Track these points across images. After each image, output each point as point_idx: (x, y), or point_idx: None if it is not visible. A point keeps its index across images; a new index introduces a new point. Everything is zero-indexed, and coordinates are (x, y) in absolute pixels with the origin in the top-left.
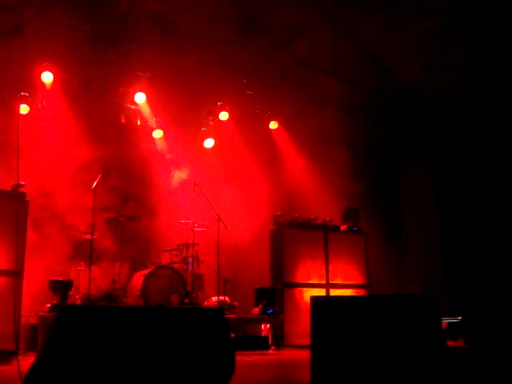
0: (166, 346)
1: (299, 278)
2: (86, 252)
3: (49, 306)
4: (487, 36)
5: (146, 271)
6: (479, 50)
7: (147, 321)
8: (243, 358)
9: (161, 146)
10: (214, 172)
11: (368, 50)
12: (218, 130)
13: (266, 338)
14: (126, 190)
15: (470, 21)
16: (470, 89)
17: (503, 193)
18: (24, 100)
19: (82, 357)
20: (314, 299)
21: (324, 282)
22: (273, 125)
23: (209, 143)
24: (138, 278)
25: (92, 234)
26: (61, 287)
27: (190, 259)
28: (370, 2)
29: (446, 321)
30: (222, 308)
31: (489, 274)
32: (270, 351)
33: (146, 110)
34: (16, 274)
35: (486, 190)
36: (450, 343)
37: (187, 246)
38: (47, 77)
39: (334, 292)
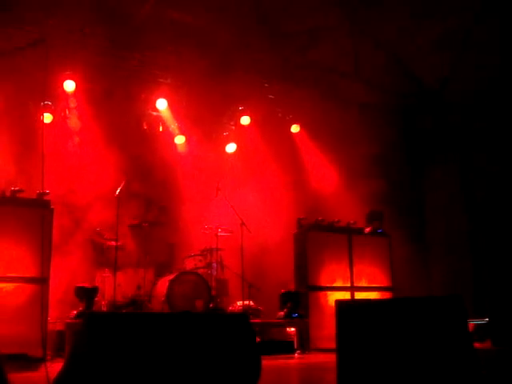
0: (192, 352)
1: (324, 281)
2: (111, 258)
3: (75, 312)
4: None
5: (170, 277)
6: (501, 48)
7: (172, 327)
8: (269, 363)
9: (183, 151)
10: (236, 177)
11: (389, 51)
12: (239, 135)
13: (292, 342)
14: (149, 197)
15: (491, 20)
16: (492, 88)
17: None
18: (47, 109)
19: (109, 364)
20: (339, 303)
21: (349, 284)
22: (295, 128)
23: (231, 148)
24: (163, 284)
25: (116, 240)
26: (86, 294)
27: (214, 264)
28: (390, 2)
29: (473, 322)
30: (246, 313)
31: None
32: (296, 355)
33: (167, 116)
34: (42, 281)
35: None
36: (478, 345)
37: (211, 251)
38: (70, 85)
39: (358, 295)
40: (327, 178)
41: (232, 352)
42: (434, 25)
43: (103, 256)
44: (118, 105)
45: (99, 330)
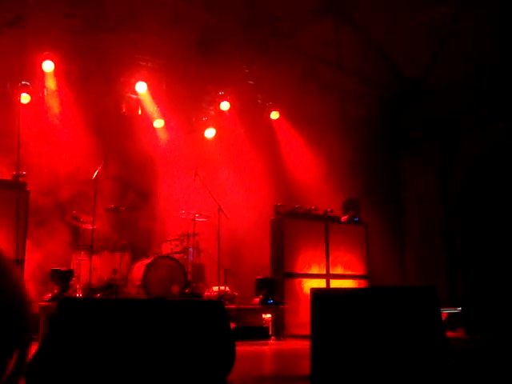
0: (166, 339)
1: (299, 268)
2: (87, 242)
3: (50, 295)
4: (491, 25)
5: (146, 261)
6: (482, 39)
7: (146, 313)
8: (244, 349)
9: (162, 135)
10: (214, 162)
11: (370, 39)
12: (219, 120)
13: (267, 328)
14: (126, 180)
15: (474, 10)
16: (472, 78)
17: (507, 184)
18: (25, 89)
19: (82, 350)
20: (314, 291)
21: (324, 272)
22: (274, 115)
23: (210, 133)
24: (139, 268)
25: (93, 223)
26: (61, 277)
27: (191, 249)
28: None
29: (446, 311)
30: (221, 300)
31: (490, 264)
32: (271, 341)
33: (147, 99)
34: (17, 263)
35: (489, 180)
36: (450, 334)
37: (188, 236)
38: (48, 66)
39: (334, 282)
40: (305, 165)
41: (206, 339)
42: (416, 13)
43: (79, 239)
44: (96, 87)
45: (73, 315)
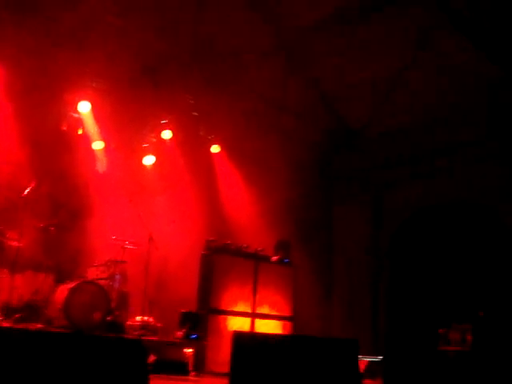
0: (79, 374)
1: (225, 305)
2: (10, 258)
3: None
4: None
5: (70, 285)
6: (425, 94)
7: (61, 347)
8: (162, 383)
9: (100, 158)
10: (151, 190)
11: (317, 87)
12: (159, 148)
13: (187, 363)
14: (59, 200)
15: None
16: (412, 133)
17: (434, 238)
18: None
19: None
20: (237, 334)
21: (250, 311)
22: (215, 148)
23: (149, 160)
24: (62, 292)
25: (18, 240)
26: None
27: (117, 276)
28: (324, 40)
29: (367, 359)
30: (140, 339)
31: (412, 316)
32: (190, 377)
33: (89, 120)
34: None
35: (416, 234)
36: (369, 382)
37: (116, 262)
38: None
39: (259, 322)
40: (241, 202)
41: (122, 377)
42: (363, 66)
43: (2, 255)
44: (38, 102)
45: None
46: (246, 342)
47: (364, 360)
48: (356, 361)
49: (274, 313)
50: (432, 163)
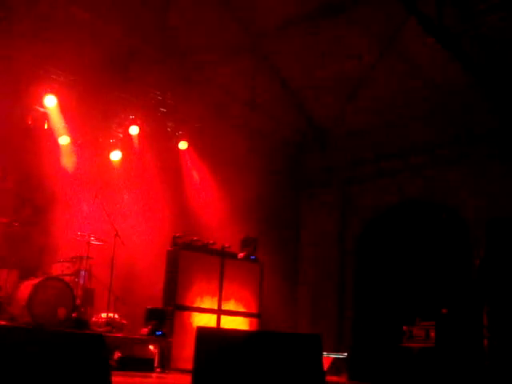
0: (39, 370)
1: (191, 301)
2: None
3: None
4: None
5: (34, 281)
6: (393, 93)
7: (20, 342)
8: (126, 380)
9: (66, 152)
10: (117, 186)
11: (286, 84)
12: (126, 144)
13: (152, 359)
14: (24, 195)
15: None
16: (375, 132)
17: (399, 236)
18: None
19: None
20: (200, 329)
21: (216, 307)
22: (182, 145)
23: (115, 156)
24: (26, 288)
25: None
26: None
27: (83, 272)
28: (293, 38)
29: (332, 356)
30: (100, 334)
31: (377, 313)
32: (155, 374)
33: (55, 114)
34: None
35: (383, 233)
36: (334, 378)
37: (81, 258)
38: None
39: (224, 318)
40: (208, 198)
41: (82, 374)
42: (331, 64)
43: None
44: (2, 96)
45: None
46: (209, 338)
47: (329, 357)
48: (319, 356)
49: (240, 309)
50: (399, 162)
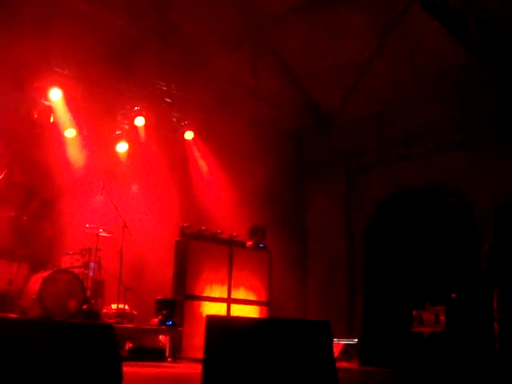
0: (50, 362)
1: (201, 291)
2: None
3: None
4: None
5: (44, 274)
6: (395, 79)
7: (31, 334)
8: (137, 370)
9: (72, 145)
10: (124, 177)
11: (289, 71)
12: (132, 135)
13: (163, 349)
14: (31, 188)
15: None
16: (382, 117)
17: (408, 222)
18: None
19: None
20: (210, 318)
21: (225, 296)
22: (188, 135)
23: (122, 147)
24: (36, 281)
25: None
26: None
27: (92, 264)
28: (295, 25)
29: (343, 342)
30: (110, 324)
31: (389, 299)
32: (166, 363)
33: (60, 107)
34: None
35: (392, 218)
36: (345, 364)
37: (90, 250)
38: None
39: (234, 307)
40: (216, 188)
41: (93, 363)
42: (334, 51)
43: None
44: (8, 90)
45: None
46: (219, 326)
47: (340, 343)
48: (329, 342)
49: (250, 298)
50: (404, 148)
